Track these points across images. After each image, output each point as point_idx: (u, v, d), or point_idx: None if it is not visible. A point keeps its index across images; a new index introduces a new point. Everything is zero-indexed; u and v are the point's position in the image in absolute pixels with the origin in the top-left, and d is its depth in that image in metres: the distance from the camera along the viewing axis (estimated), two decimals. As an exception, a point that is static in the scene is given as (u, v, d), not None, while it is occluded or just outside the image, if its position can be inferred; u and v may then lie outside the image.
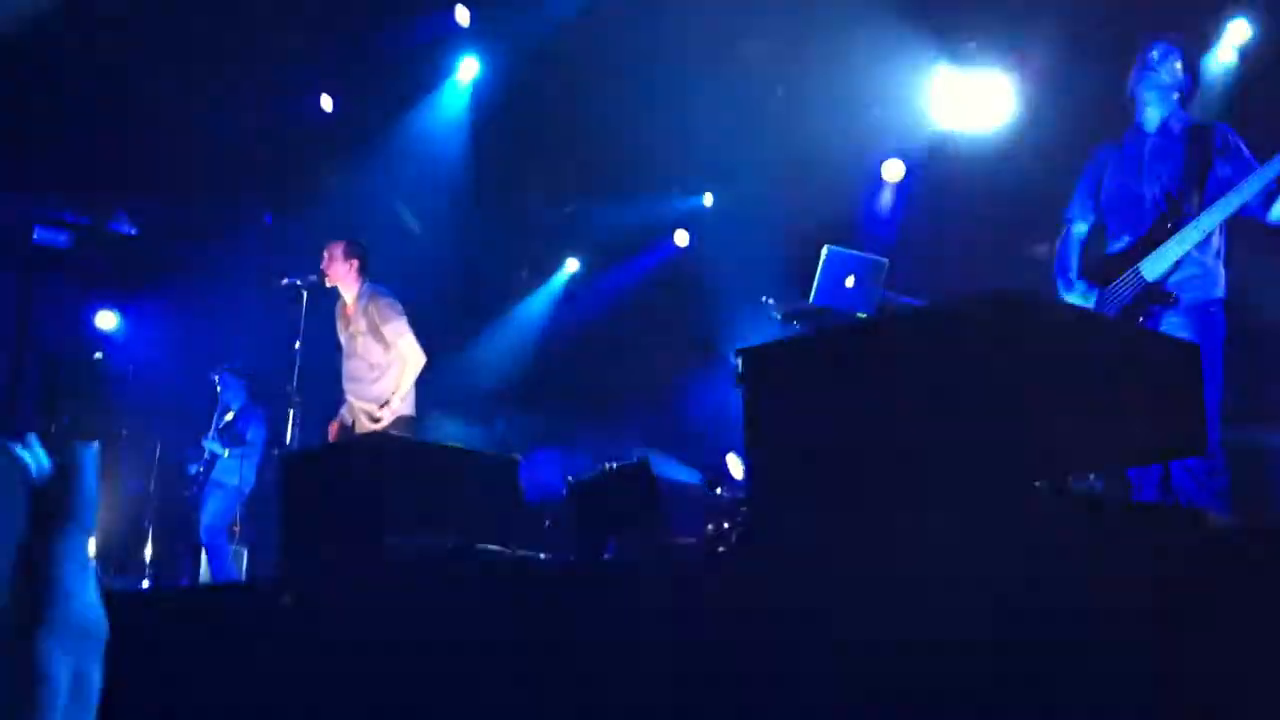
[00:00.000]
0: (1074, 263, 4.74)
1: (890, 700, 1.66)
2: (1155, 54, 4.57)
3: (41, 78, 8.58)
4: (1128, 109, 4.70)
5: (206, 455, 9.17)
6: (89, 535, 0.53)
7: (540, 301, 11.36)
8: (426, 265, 9.80)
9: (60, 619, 0.53)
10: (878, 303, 6.35)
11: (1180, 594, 1.43)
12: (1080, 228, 4.81)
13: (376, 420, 6.14)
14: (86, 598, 0.55)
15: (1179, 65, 4.56)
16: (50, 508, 0.55)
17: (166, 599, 4.99)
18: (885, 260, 6.46)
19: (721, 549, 3.20)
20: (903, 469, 1.99)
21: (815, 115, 8.63)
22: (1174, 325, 4.29)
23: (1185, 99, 4.61)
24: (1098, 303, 4.50)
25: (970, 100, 8.16)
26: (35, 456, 0.56)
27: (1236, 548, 1.48)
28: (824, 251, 6.47)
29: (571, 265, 11.27)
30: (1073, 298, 4.57)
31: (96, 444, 0.56)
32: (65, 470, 0.56)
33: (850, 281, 6.38)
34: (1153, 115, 4.60)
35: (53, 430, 10.53)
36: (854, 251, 6.57)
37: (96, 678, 0.55)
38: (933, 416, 1.95)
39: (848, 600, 1.78)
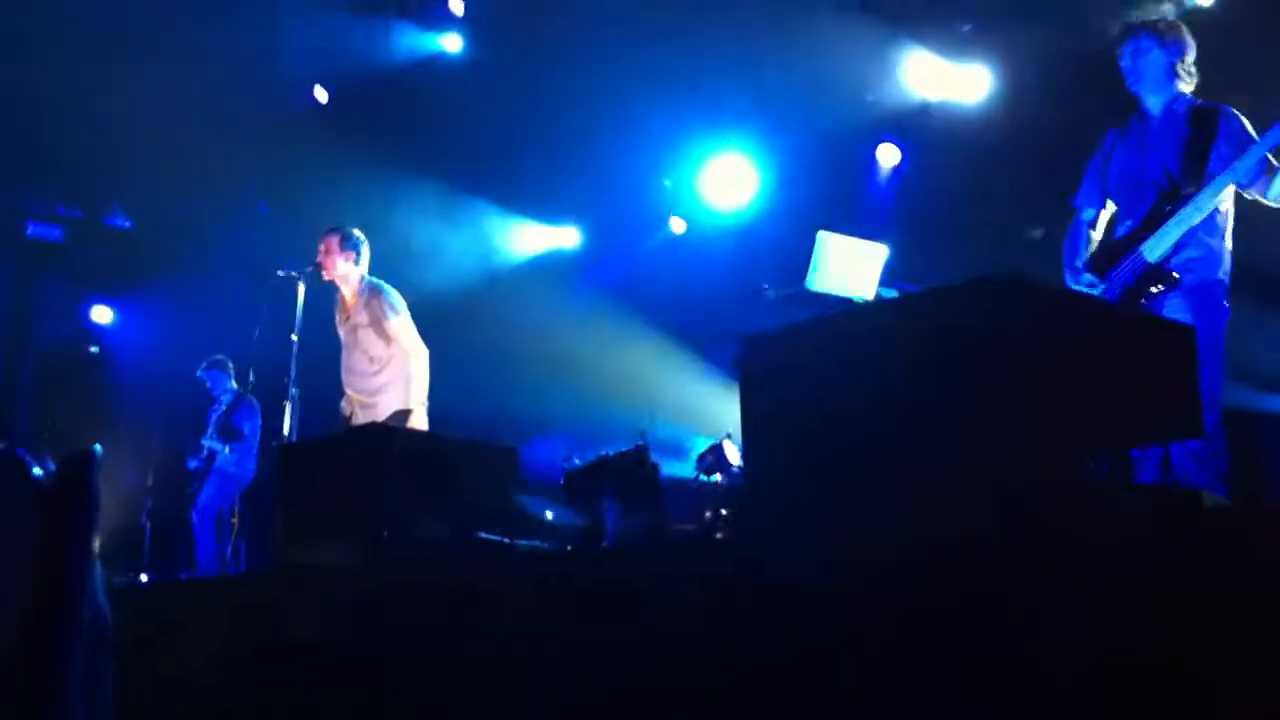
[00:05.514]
0: (1081, 250, 4.68)
1: (881, 684, 1.67)
2: (1126, 60, 4.53)
3: (34, 68, 8.54)
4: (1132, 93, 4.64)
5: (205, 453, 9.17)
6: (96, 538, 0.54)
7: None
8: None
9: (73, 622, 0.53)
10: (875, 287, 6.34)
11: (1175, 576, 1.44)
12: (1088, 214, 4.75)
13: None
14: (96, 600, 0.55)
15: (1154, 54, 4.46)
16: (59, 514, 0.55)
17: (164, 593, 5.00)
18: (882, 245, 6.45)
19: (719, 535, 3.21)
20: (899, 454, 1.99)
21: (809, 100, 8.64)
22: (1176, 306, 4.26)
23: (1179, 70, 4.50)
24: (1104, 289, 4.46)
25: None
26: (42, 463, 0.57)
27: (1233, 530, 1.48)
28: (819, 237, 6.46)
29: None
30: (1079, 287, 4.51)
31: (100, 448, 0.56)
32: (72, 475, 0.56)
33: (847, 266, 6.37)
34: (1154, 103, 4.55)
35: (49, 426, 10.53)
36: (850, 237, 6.56)
37: (108, 677, 0.55)
38: (930, 401, 1.95)
39: (844, 587, 1.78)
